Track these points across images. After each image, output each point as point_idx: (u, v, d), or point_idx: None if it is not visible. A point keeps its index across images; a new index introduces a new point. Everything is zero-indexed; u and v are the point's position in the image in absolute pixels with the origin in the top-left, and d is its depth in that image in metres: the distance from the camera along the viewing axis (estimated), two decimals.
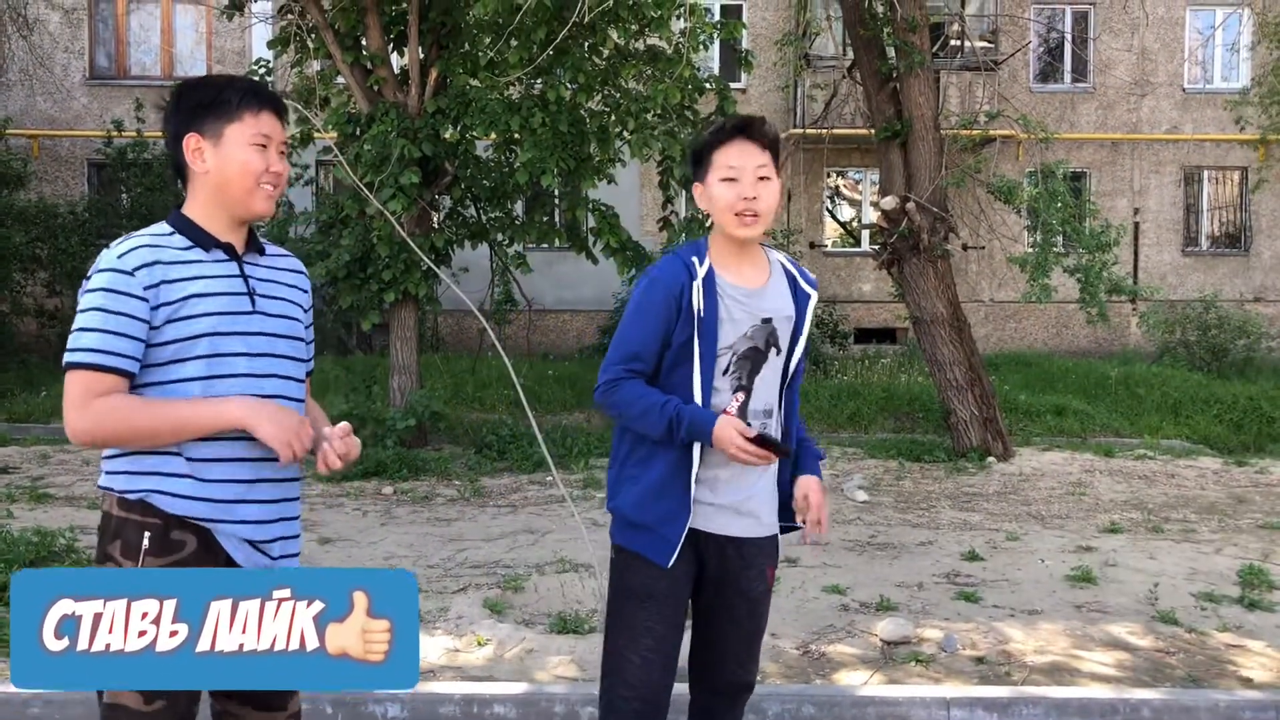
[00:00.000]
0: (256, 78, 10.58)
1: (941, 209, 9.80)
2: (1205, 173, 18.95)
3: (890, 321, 18.03)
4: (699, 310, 2.64)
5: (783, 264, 2.83)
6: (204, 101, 2.38)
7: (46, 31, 17.02)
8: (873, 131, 10.27)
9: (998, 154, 12.03)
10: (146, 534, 2.29)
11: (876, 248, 10.45)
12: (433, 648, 4.63)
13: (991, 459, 9.56)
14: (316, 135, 10.19)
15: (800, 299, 2.78)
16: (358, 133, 9.60)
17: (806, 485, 2.78)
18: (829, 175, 19.11)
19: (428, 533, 6.82)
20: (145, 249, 2.31)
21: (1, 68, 17.47)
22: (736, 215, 2.64)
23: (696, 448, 2.65)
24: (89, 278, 2.31)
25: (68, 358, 2.27)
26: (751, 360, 2.69)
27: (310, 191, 15.41)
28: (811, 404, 12.25)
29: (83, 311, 2.28)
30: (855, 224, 19.43)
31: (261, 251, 2.49)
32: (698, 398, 2.64)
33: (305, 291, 2.58)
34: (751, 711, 4.08)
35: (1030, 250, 10.26)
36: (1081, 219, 10.25)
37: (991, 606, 5.35)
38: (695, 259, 2.69)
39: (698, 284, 2.65)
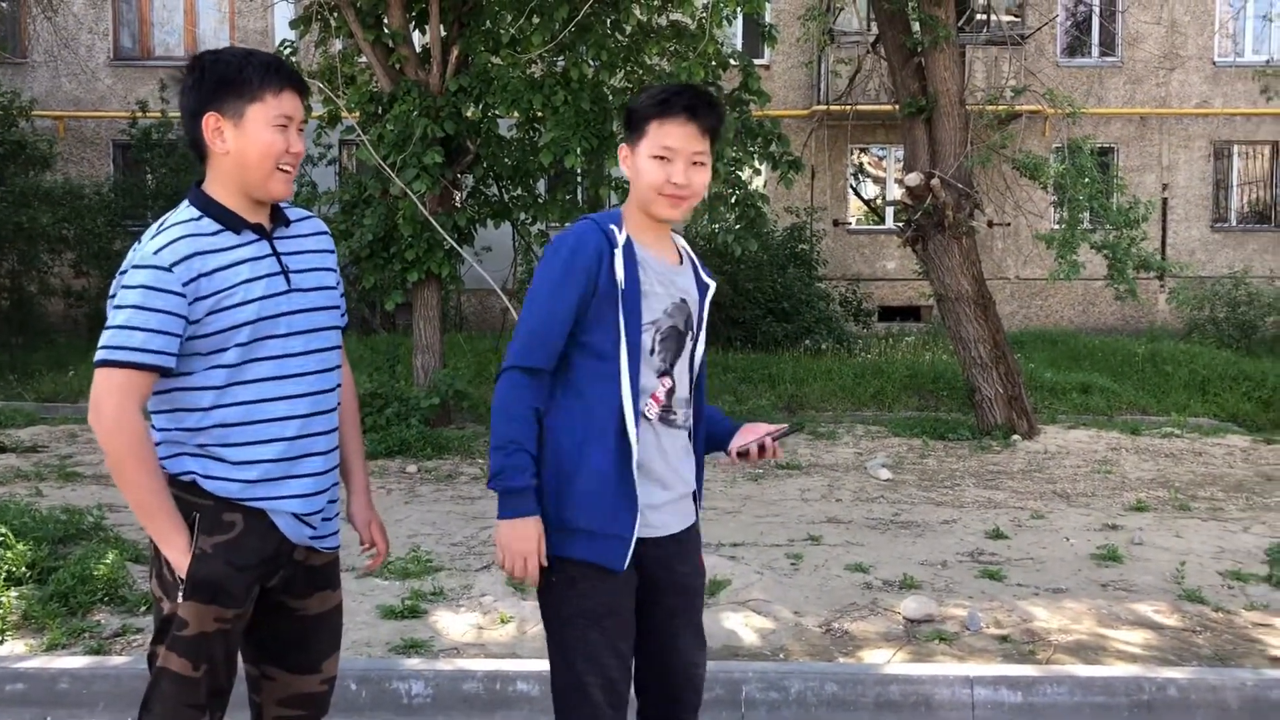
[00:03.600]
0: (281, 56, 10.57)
1: (967, 185, 9.71)
2: (1235, 147, 18.70)
3: (914, 299, 17.92)
4: (621, 281, 2.41)
5: (687, 251, 2.67)
6: (225, 79, 2.32)
7: (71, 12, 17.09)
8: (897, 107, 10.17)
9: (1024, 130, 11.93)
10: (196, 514, 2.33)
11: (901, 225, 10.36)
12: (457, 625, 4.65)
13: (1016, 437, 9.50)
14: (343, 116, 10.20)
15: (701, 289, 2.61)
16: (380, 112, 9.60)
17: (746, 432, 2.64)
18: (853, 152, 18.98)
19: (451, 511, 6.85)
20: (182, 242, 2.29)
21: (26, 49, 17.57)
22: (663, 196, 2.46)
23: (631, 427, 2.42)
24: (125, 271, 2.29)
25: (106, 354, 2.25)
26: (675, 341, 2.51)
27: (333, 171, 15.44)
28: (835, 382, 12.21)
29: (120, 307, 2.26)
30: (879, 201, 19.31)
31: (287, 223, 2.48)
32: (625, 382, 2.41)
33: (331, 252, 2.57)
34: (773, 689, 4.09)
35: (1057, 227, 10.16)
36: (1109, 195, 10.13)
37: (1016, 585, 5.33)
38: (614, 227, 2.47)
39: (619, 252, 2.43)
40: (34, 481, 7.46)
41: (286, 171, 2.37)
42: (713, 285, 2.65)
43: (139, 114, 15.91)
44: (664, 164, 2.45)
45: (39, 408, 11.00)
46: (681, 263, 2.60)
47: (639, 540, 2.46)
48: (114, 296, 2.30)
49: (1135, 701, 4.10)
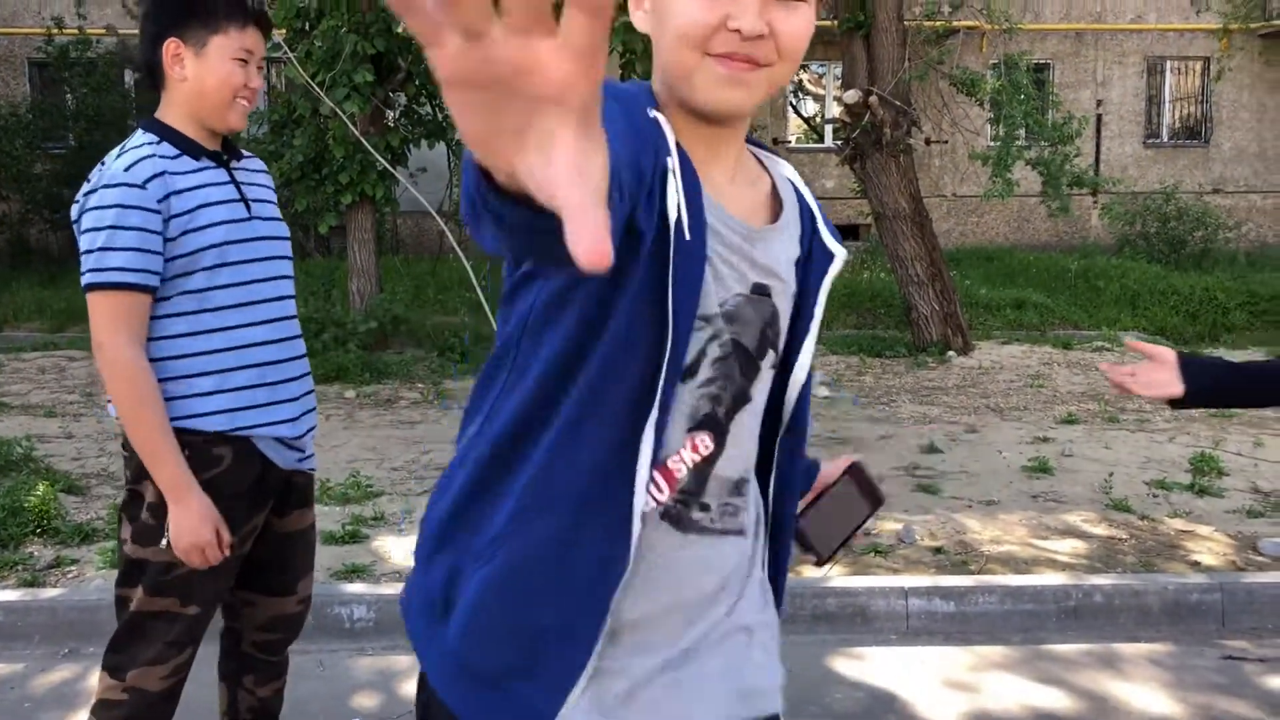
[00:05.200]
0: None
1: (904, 102, 9.70)
2: (1168, 63, 18.85)
3: (853, 218, 17.97)
4: (676, 212, 1.12)
5: (794, 185, 1.37)
6: (190, 6, 2.32)
7: None
8: (836, 23, 10.09)
9: (961, 46, 11.88)
10: (186, 451, 2.29)
11: (839, 143, 10.34)
12: (398, 549, 4.65)
13: (951, 353, 9.65)
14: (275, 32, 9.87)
15: (817, 262, 1.33)
16: (307, 28, 9.31)
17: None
18: None
19: (390, 435, 6.81)
20: (150, 160, 2.26)
21: None
22: (715, 57, 1.16)
23: (638, 510, 1.19)
24: (91, 193, 2.23)
25: (94, 278, 2.20)
26: (738, 367, 1.26)
27: (262, 90, 15.00)
28: None
29: (96, 229, 2.20)
30: (819, 119, 19.24)
31: (239, 156, 2.48)
32: (649, 428, 1.17)
33: (275, 194, 2.60)
34: None
35: (993, 144, 10.21)
36: (1044, 111, 10.18)
37: (950, 498, 5.45)
38: (662, 119, 1.16)
39: (675, 165, 1.13)
40: None
41: (243, 105, 2.38)
42: (839, 257, 1.34)
43: (55, 30, 15.26)
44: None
45: None
46: (779, 219, 1.31)
47: None
48: (80, 221, 2.24)
49: (1063, 608, 4.24)
